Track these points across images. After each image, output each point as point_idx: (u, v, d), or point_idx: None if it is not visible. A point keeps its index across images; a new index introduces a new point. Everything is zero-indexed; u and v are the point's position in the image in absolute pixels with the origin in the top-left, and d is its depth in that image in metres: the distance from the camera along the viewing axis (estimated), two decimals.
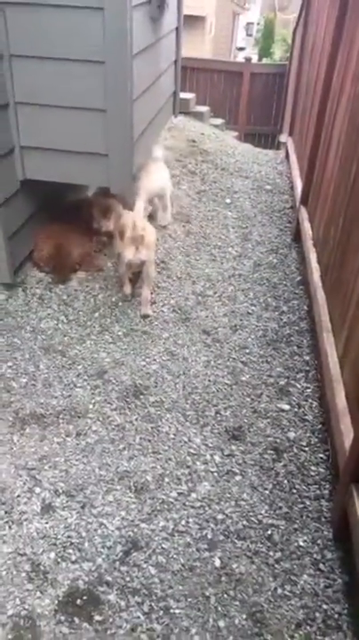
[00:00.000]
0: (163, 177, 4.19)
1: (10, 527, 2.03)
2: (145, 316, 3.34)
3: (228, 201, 5.21)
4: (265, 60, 16.90)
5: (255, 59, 14.18)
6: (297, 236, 4.54)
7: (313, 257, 3.58)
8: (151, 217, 4.27)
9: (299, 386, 3.01)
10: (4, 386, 2.67)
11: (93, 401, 2.69)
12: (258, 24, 26.20)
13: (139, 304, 3.43)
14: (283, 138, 7.58)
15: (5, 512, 2.07)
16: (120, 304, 3.43)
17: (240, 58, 17.73)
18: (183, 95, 6.82)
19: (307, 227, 4.02)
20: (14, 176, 3.23)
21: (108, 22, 2.80)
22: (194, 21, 13.46)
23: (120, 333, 3.20)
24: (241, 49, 21.44)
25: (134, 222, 3.21)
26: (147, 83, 3.57)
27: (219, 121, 8.19)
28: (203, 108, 7.78)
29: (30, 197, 3.43)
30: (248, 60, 10.24)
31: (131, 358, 3.02)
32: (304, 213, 4.24)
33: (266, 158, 6.80)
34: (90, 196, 4.34)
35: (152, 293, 3.49)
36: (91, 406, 2.66)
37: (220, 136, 7.14)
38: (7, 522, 2.04)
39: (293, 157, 5.83)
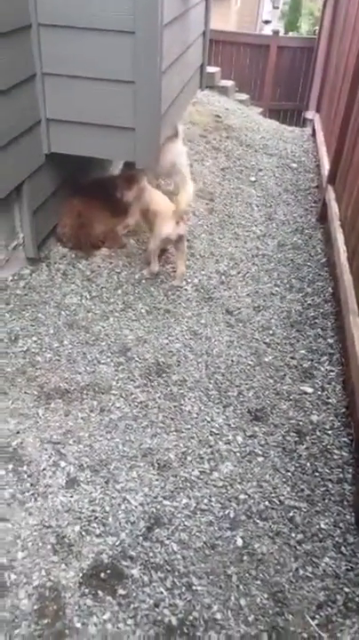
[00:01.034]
0: (176, 153, 3.96)
1: (35, 499, 2.05)
2: (177, 286, 3.43)
3: (253, 179, 5.13)
4: (291, 34, 16.39)
5: (281, 32, 13.77)
6: (323, 217, 4.46)
7: (340, 238, 3.51)
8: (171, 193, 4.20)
9: (322, 369, 2.98)
10: (30, 360, 2.68)
11: (117, 378, 2.69)
12: None
13: (161, 281, 3.42)
14: (310, 115, 7.40)
15: (31, 484, 2.10)
16: (143, 281, 3.41)
17: (266, 31, 17.25)
18: (208, 69, 6.67)
19: (334, 207, 3.93)
20: (40, 150, 3.19)
21: None
22: None
23: (143, 311, 3.18)
24: (267, 22, 20.82)
25: (177, 196, 3.24)
26: (175, 54, 3.47)
27: (244, 96, 8.03)
28: (228, 83, 7.64)
29: (55, 172, 3.39)
30: (275, 32, 9.95)
31: (153, 336, 3.01)
32: (331, 193, 4.15)
33: (291, 135, 6.66)
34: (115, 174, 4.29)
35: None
36: (114, 383, 2.66)
37: (245, 111, 7.01)
38: (33, 494, 2.06)
39: (320, 135, 5.70)
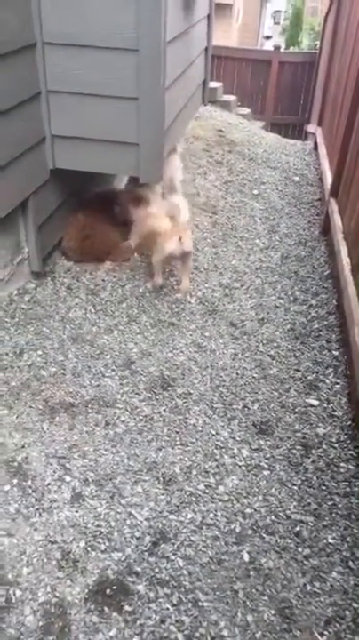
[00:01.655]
0: (174, 168, 4.03)
1: (40, 515, 2.04)
2: (181, 299, 3.45)
3: (256, 192, 5.16)
4: (292, 49, 16.60)
5: (282, 47, 13.97)
6: (326, 229, 4.47)
7: (343, 250, 3.51)
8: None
9: (327, 381, 2.97)
10: (34, 374, 2.69)
11: (121, 391, 2.69)
12: (285, 12, 25.76)
13: (165, 294, 3.43)
14: (312, 128, 7.47)
15: (36, 499, 2.09)
16: (147, 295, 3.42)
17: (267, 46, 17.47)
18: (211, 84, 6.74)
19: (337, 219, 3.95)
20: (45, 165, 3.23)
21: (143, 9, 2.76)
22: (221, 9, 13.27)
23: (147, 324, 3.19)
24: (268, 37, 21.11)
25: (177, 213, 3.23)
26: (178, 71, 3.52)
27: (246, 110, 8.10)
28: (230, 98, 7.71)
29: (60, 187, 3.43)
30: (277, 48, 10.07)
31: (158, 349, 3.01)
32: (334, 206, 4.16)
33: (293, 149, 6.71)
34: (120, 187, 4.33)
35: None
36: (119, 396, 2.66)
37: (247, 126, 7.07)
38: (38, 509, 2.06)
39: (322, 148, 5.74)
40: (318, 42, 9.13)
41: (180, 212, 3.27)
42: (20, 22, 2.76)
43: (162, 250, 3.28)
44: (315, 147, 6.44)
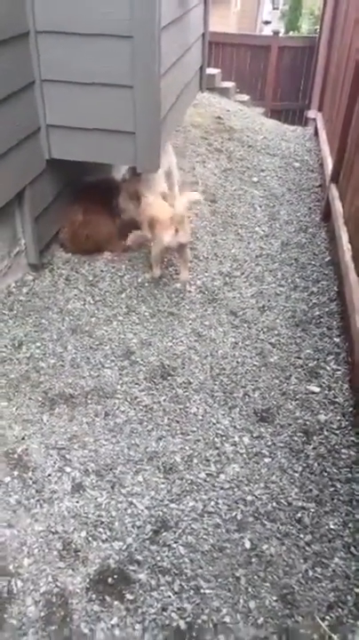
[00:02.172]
0: (170, 160, 3.98)
1: (41, 505, 2.04)
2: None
3: (255, 179, 5.11)
4: (292, 34, 16.39)
5: (282, 32, 13.80)
6: (326, 215, 4.43)
7: (344, 236, 3.48)
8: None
9: (328, 368, 2.96)
10: (33, 366, 2.68)
11: (121, 381, 2.69)
12: None
13: (164, 284, 3.41)
14: (312, 113, 7.39)
15: (37, 490, 2.09)
16: (146, 285, 3.40)
17: (266, 32, 17.26)
18: (208, 71, 6.67)
19: (337, 205, 3.91)
20: (41, 156, 3.20)
21: None
22: None
23: (147, 314, 3.18)
24: (267, 22, 20.83)
25: (173, 205, 3.20)
26: (174, 57, 3.48)
27: (245, 97, 8.02)
28: (229, 84, 7.63)
29: (56, 177, 3.40)
30: (276, 33, 9.96)
31: (157, 339, 3.00)
32: (334, 191, 4.12)
33: (293, 135, 6.65)
34: (117, 176, 4.30)
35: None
36: (118, 387, 2.65)
37: (247, 112, 7.00)
38: (38, 500, 2.06)
39: (323, 133, 5.68)
40: (318, 26, 9.00)
41: (177, 204, 3.24)
42: (13, 10, 2.72)
43: (159, 242, 3.26)
44: (316, 132, 6.38)
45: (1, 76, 2.69)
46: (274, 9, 23.54)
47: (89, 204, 3.60)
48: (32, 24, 2.85)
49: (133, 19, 2.77)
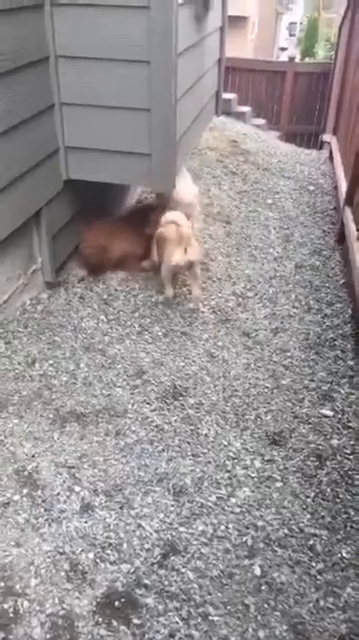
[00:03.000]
0: (195, 193, 3.95)
1: (50, 525, 2.03)
2: (194, 309, 3.43)
3: (270, 201, 5.14)
4: (308, 60, 16.64)
5: (298, 59, 14.00)
6: (340, 238, 4.43)
7: (358, 259, 3.47)
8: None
9: (342, 391, 2.92)
10: (46, 383, 2.69)
11: (132, 401, 2.68)
12: (301, 24, 25.87)
13: (178, 304, 3.42)
14: (327, 137, 7.44)
15: (45, 510, 2.08)
16: (159, 304, 3.41)
17: (282, 58, 17.53)
18: (225, 95, 6.77)
19: (352, 228, 3.91)
20: (58, 176, 3.26)
21: (154, 22, 2.78)
22: (236, 21, 13.37)
23: (159, 334, 3.18)
24: (283, 49, 21.19)
25: (180, 224, 3.21)
26: (190, 82, 3.54)
27: (260, 121, 8.12)
28: (245, 109, 7.73)
29: (73, 197, 3.46)
30: (291, 59, 10.10)
31: (170, 359, 2.99)
32: (349, 214, 4.13)
33: (308, 158, 6.69)
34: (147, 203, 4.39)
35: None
36: (130, 406, 2.65)
37: (262, 136, 7.07)
38: (47, 519, 2.04)
39: (337, 157, 5.70)
40: (333, 52, 9.12)
41: (185, 223, 3.27)
42: (34, 36, 2.80)
43: (168, 261, 3.28)
44: (331, 156, 6.41)
45: (23, 99, 2.75)
46: (290, 35, 23.96)
47: (115, 223, 3.67)
48: (52, 49, 2.93)
49: (151, 44, 2.84)
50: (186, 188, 3.79)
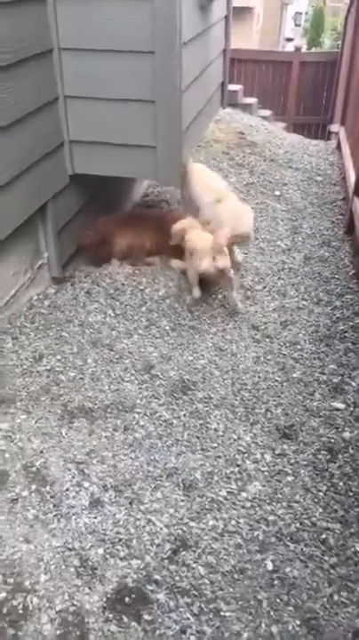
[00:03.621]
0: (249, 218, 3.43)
1: (59, 521, 2.01)
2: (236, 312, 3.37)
3: (277, 193, 5.08)
4: (314, 50, 16.46)
5: (304, 49, 13.86)
6: (350, 229, 4.38)
7: None
8: None
9: (354, 384, 2.88)
10: (53, 379, 2.68)
11: (141, 396, 2.66)
12: (306, 13, 25.60)
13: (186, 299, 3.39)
14: (335, 127, 7.35)
15: (54, 505, 2.06)
16: (167, 299, 3.38)
17: (288, 48, 17.37)
18: (231, 87, 6.70)
19: None
20: (64, 170, 3.23)
21: (158, 11, 2.74)
22: (241, 12, 13.25)
23: (167, 328, 3.15)
24: (289, 39, 20.98)
25: (209, 231, 3.17)
26: (195, 73, 3.50)
27: (267, 112, 8.02)
28: (251, 100, 7.64)
29: (79, 192, 3.43)
30: (297, 49, 9.98)
31: (178, 353, 2.97)
32: (358, 204, 4.07)
33: (316, 149, 6.61)
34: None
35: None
36: (138, 401, 2.62)
37: (269, 127, 6.99)
38: (56, 515, 2.03)
39: (345, 147, 5.63)
40: (340, 41, 9.00)
41: (219, 234, 3.17)
42: (38, 28, 2.77)
43: (196, 267, 3.23)
44: (338, 146, 6.33)
45: (26, 92, 2.73)
46: (296, 26, 23.72)
47: (129, 219, 3.73)
48: (56, 41, 2.90)
49: (155, 35, 2.80)
50: (242, 212, 3.40)
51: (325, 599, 1.89)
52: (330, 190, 5.34)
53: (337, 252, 4.19)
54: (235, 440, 2.48)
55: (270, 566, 1.97)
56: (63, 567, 1.87)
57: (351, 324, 3.35)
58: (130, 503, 2.13)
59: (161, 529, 2.05)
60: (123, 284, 3.45)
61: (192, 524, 2.09)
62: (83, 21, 2.85)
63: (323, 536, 2.10)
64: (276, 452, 2.45)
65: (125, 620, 1.76)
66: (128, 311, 3.24)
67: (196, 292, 3.37)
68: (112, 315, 3.19)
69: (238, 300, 3.38)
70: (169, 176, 3.26)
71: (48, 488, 2.12)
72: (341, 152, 5.92)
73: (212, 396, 2.71)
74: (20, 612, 1.72)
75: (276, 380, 2.87)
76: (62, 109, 3.08)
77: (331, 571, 1.98)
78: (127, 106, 3.02)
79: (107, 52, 2.90)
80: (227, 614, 1.82)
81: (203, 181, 3.61)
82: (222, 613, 1.82)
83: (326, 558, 2.02)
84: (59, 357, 2.81)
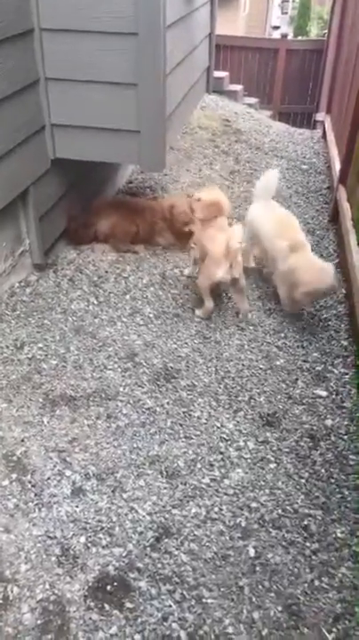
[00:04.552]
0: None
1: (40, 510, 1.99)
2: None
3: None
4: (300, 38, 16.37)
5: (290, 37, 13.78)
6: (334, 217, 4.37)
7: (352, 238, 3.42)
8: None
9: (336, 372, 2.89)
10: (35, 367, 2.64)
11: (124, 384, 2.64)
12: (293, 1, 25.44)
13: (169, 285, 3.36)
14: (320, 116, 7.33)
15: (35, 494, 2.04)
16: (151, 287, 3.35)
17: (275, 36, 17.24)
18: (217, 74, 6.64)
19: (345, 207, 3.85)
20: (45, 155, 3.17)
21: None
22: None
23: (151, 315, 3.13)
24: (276, 27, 20.85)
25: (229, 240, 2.90)
26: (180, 56, 3.45)
27: (253, 100, 7.98)
28: (237, 87, 7.58)
29: (61, 177, 3.37)
30: (284, 36, 9.94)
31: (162, 341, 2.95)
32: (343, 193, 4.06)
33: (301, 137, 6.59)
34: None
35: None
36: (121, 389, 2.60)
37: (254, 115, 6.95)
38: (37, 504, 2.01)
39: (331, 135, 5.61)
40: (326, 30, 8.96)
41: (233, 238, 2.92)
42: (17, 7, 2.70)
43: (211, 275, 3.02)
44: (324, 135, 6.32)
45: (5, 74, 2.66)
46: (283, 13, 23.58)
47: (117, 204, 3.71)
48: (36, 21, 2.83)
49: (138, 16, 2.74)
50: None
51: (306, 585, 1.90)
52: (315, 179, 5.33)
53: (321, 241, 4.19)
54: (218, 428, 2.48)
55: (252, 553, 1.98)
56: (44, 556, 1.86)
57: (334, 312, 3.36)
58: (112, 491, 2.11)
59: (143, 517, 2.04)
60: (106, 272, 3.41)
61: (175, 511, 2.08)
62: (64, 1, 2.78)
63: (305, 522, 2.10)
64: (259, 440, 2.45)
65: (107, 608, 1.75)
66: (111, 299, 3.20)
67: (210, 303, 3.12)
68: (95, 302, 3.16)
69: (248, 309, 3.23)
70: (153, 161, 3.21)
71: (29, 477, 2.10)
72: (327, 141, 5.91)
73: (196, 383, 2.70)
74: (0, 601, 1.70)
75: (260, 368, 2.86)
76: (43, 92, 3.01)
77: (313, 557, 1.99)
78: (110, 89, 2.96)
79: (90, 32, 2.83)
80: (209, 601, 1.82)
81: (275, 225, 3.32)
82: (204, 600, 1.82)
83: (308, 544, 2.03)
84: (40, 345, 2.77)
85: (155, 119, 3.02)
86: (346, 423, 2.57)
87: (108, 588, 1.80)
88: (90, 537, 1.94)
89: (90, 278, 3.34)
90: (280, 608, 1.83)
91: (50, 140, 3.15)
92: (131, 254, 3.63)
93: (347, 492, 2.23)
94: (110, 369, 2.71)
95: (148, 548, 1.94)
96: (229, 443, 2.41)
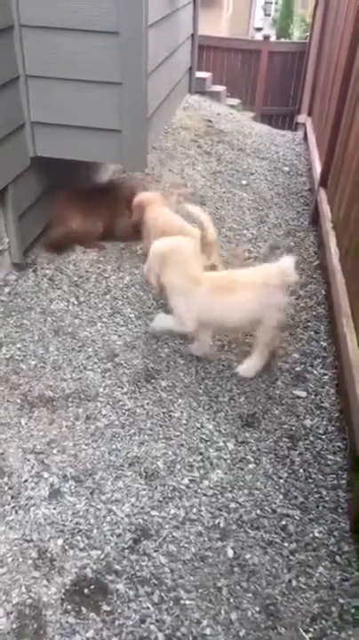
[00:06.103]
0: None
1: (16, 512, 1.97)
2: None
3: (244, 182, 5.07)
4: (283, 40, 16.46)
5: (273, 39, 13.84)
6: (315, 219, 4.40)
7: (332, 240, 3.45)
8: None
9: (315, 372, 2.91)
10: (13, 368, 2.61)
11: (104, 384, 2.62)
12: (276, 3, 25.56)
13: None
14: (302, 118, 7.38)
15: (12, 497, 2.02)
16: (132, 288, 3.33)
17: (258, 38, 17.32)
18: (199, 74, 6.63)
19: (326, 209, 3.88)
20: (25, 153, 3.13)
21: None
22: (210, 0, 13.12)
23: (132, 316, 3.11)
24: (258, 29, 20.94)
25: (205, 228, 2.85)
26: (162, 56, 3.43)
27: (235, 101, 8.00)
28: (220, 88, 7.59)
29: (41, 176, 3.34)
30: (266, 37, 9.97)
31: (142, 341, 2.94)
32: (323, 195, 4.09)
33: (283, 139, 6.62)
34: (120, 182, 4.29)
35: None
36: (101, 390, 2.59)
37: (237, 116, 6.96)
38: (14, 507, 1.99)
39: (312, 138, 5.66)
40: (309, 33, 9.02)
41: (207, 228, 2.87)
42: None
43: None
44: (305, 137, 6.36)
45: None
46: (266, 15, 23.68)
47: (86, 200, 3.58)
48: (17, 18, 2.79)
49: (120, 14, 2.73)
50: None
51: (284, 585, 1.91)
52: (296, 181, 5.36)
53: (302, 242, 4.21)
54: (198, 428, 2.48)
55: (231, 553, 1.98)
56: (20, 560, 1.83)
57: (314, 313, 3.38)
58: (90, 493, 2.10)
59: (122, 518, 2.03)
60: (87, 272, 3.39)
61: (153, 512, 2.08)
62: None
63: (283, 522, 2.12)
64: (239, 440, 2.45)
65: (84, 611, 1.74)
66: (92, 299, 3.18)
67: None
68: (75, 302, 3.13)
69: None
70: (134, 161, 3.20)
71: (6, 479, 2.08)
72: (308, 143, 5.95)
73: (176, 384, 2.70)
74: None
75: None
76: (23, 89, 2.98)
77: (291, 557, 2.00)
78: (91, 87, 2.94)
79: (70, 30, 2.81)
80: (187, 602, 1.82)
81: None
82: (182, 602, 1.81)
83: (286, 544, 2.04)
84: (19, 346, 2.74)
85: (136, 118, 3.01)
86: (324, 423, 2.59)
87: (86, 591, 1.79)
88: (67, 539, 1.93)
89: (70, 278, 3.31)
90: (258, 608, 1.83)
91: (30, 137, 3.12)
92: (111, 254, 3.61)
93: (324, 492, 2.25)
94: (90, 369, 2.69)
95: (126, 550, 1.93)
96: (209, 443, 2.41)
